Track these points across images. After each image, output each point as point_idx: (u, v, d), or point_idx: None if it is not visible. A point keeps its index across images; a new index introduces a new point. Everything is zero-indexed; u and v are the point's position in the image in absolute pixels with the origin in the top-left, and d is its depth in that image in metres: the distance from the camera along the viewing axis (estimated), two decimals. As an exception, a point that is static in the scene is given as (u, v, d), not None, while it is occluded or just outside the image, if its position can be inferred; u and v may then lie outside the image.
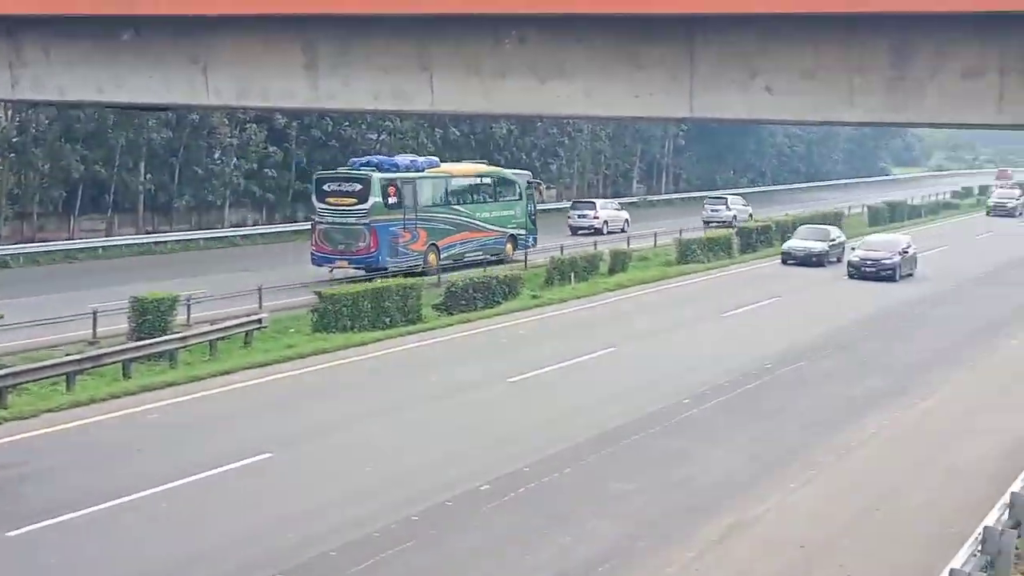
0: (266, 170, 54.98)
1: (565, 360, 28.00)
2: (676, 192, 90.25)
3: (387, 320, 31.68)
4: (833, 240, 50.52)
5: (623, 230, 58.80)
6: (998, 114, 11.99)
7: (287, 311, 32.66)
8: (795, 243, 50.43)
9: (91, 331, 27.73)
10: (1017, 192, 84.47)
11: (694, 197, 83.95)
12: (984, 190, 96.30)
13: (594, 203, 62.93)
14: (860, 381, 26.78)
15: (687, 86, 13.19)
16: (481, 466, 19.31)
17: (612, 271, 43.86)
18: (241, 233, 53.02)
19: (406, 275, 36.19)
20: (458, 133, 64.91)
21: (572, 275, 41.18)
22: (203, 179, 52.59)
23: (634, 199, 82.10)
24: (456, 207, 43.94)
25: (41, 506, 16.68)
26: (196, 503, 17.35)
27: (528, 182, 49.31)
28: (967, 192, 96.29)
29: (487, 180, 46.92)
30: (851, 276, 45.46)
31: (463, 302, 34.83)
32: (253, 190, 55.01)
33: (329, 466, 19.36)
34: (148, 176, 51.01)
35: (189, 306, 30.02)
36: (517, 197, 47.69)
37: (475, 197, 45.49)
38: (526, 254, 45.72)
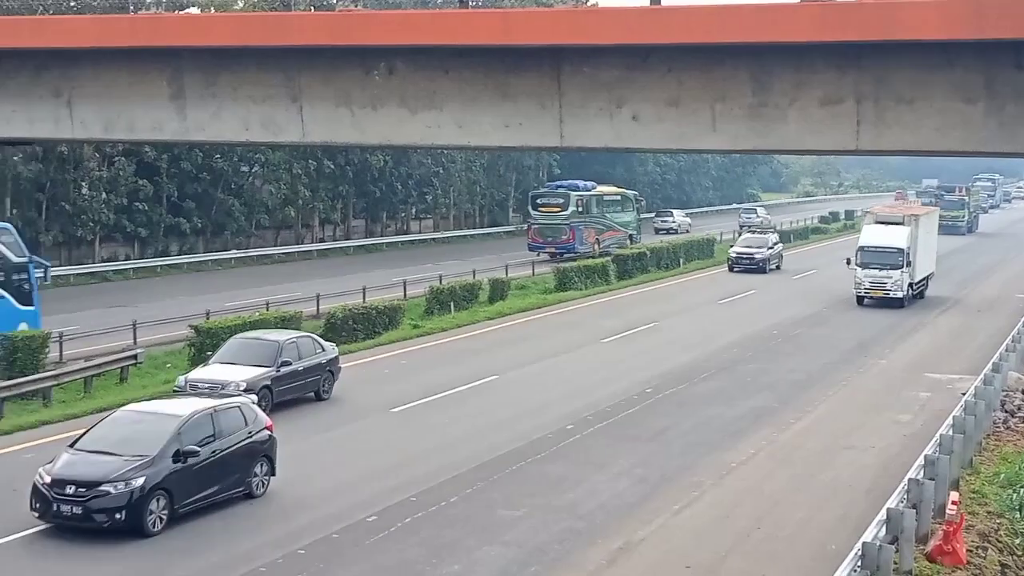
0: (137, 204, 53.92)
1: (448, 389, 27.94)
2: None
3: (266, 353, 31.08)
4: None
5: (687, 230, 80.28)
6: (856, 140, 12.38)
7: (163, 346, 32.07)
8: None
9: (-42, 373, 26.85)
10: (771, 239, 61.62)
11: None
12: (850, 215, 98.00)
13: (672, 212, 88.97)
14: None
15: (556, 115, 13.39)
16: (368, 497, 19.16)
17: (492, 299, 43.93)
18: (113, 268, 51.86)
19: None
20: (332, 165, 64.45)
21: (452, 304, 41.18)
22: (72, 214, 51.35)
23: (510, 228, 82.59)
24: (606, 214, 65.71)
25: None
26: (77, 542, 16.84)
27: (636, 198, 71.43)
28: (834, 217, 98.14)
29: (618, 196, 68.63)
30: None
31: (343, 333, 34.56)
32: (124, 224, 53.89)
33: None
34: (14, 212, 49.66)
35: (61, 343, 29.32)
36: (632, 208, 69.64)
37: (613, 208, 67.09)
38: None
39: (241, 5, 59.94)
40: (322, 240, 67.14)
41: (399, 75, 14.03)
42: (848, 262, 46.38)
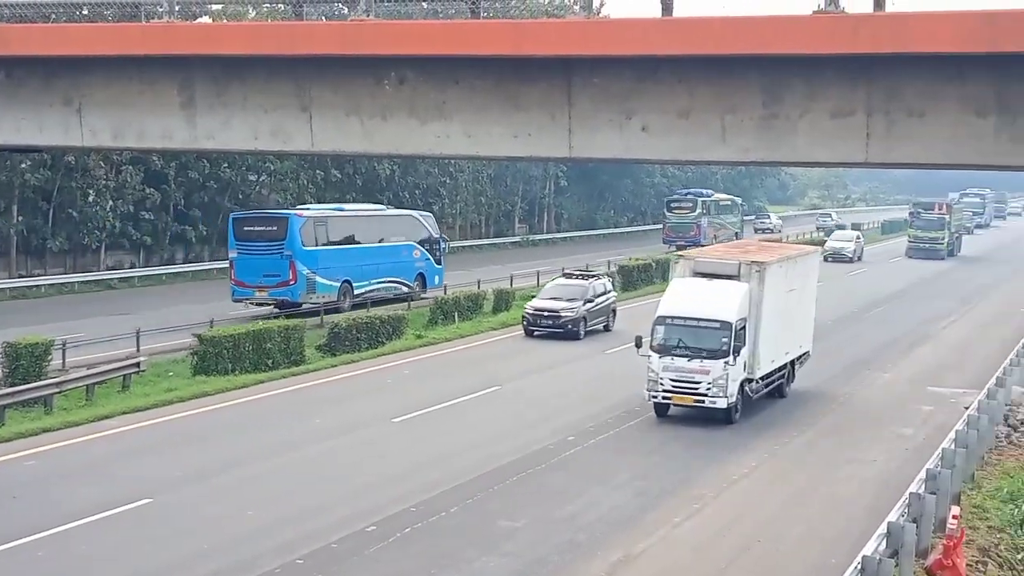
0: (143, 212, 53.97)
1: (450, 399, 27.99)
2: (558, 232, 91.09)
3: (269, 362, 31.33)
4: None
5: (780, 230, 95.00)
6: (865, 153, 12.41)
7: (166, 354, 32.13)
8: None
9: (-38, 378, 26.95)
10: (593, 287, 40.71)
11: (575, 236, 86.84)
12: (857, 227, 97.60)
13: (769, 215, 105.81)
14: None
15: (565, 126, 13.43)
16: (367, 507, 19.19)
17: (496, 310, 43.99)
18: (118, 276, 51.90)
19: (289, 316, 36.13)
20: (339, 175, 64.53)
21: (456, 314, 41.22)
22: (78, 222, 51.38)
23: (516, 239, 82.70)
24: (720, 216, 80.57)
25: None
26: (75, 551, 16.92)
27: (741, 204, 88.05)
28: (840, 228, 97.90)
29: (728, 201, 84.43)
30: None
31: (347, 343, 34.63)
32: (130, 232, 53.95)
33: (211, 510, 19.03)
34: (20, 219, 49.75)
35: (64, 351, 29.36)
36: (738, 211, 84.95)
37: (725, 210, 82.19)
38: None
39: (253, 15, 60.10)
40: (327, 249, 67.10)
41: (409, 85, 14.08)
42: (638, 344, 27.48)
